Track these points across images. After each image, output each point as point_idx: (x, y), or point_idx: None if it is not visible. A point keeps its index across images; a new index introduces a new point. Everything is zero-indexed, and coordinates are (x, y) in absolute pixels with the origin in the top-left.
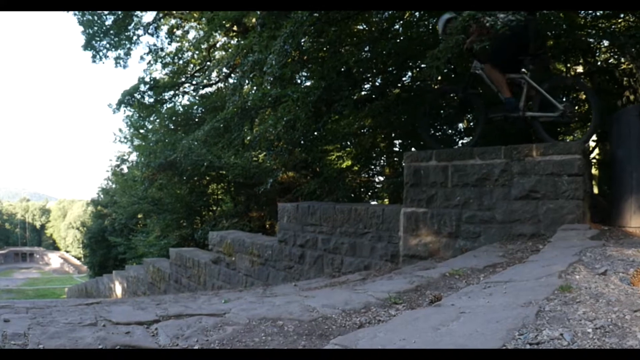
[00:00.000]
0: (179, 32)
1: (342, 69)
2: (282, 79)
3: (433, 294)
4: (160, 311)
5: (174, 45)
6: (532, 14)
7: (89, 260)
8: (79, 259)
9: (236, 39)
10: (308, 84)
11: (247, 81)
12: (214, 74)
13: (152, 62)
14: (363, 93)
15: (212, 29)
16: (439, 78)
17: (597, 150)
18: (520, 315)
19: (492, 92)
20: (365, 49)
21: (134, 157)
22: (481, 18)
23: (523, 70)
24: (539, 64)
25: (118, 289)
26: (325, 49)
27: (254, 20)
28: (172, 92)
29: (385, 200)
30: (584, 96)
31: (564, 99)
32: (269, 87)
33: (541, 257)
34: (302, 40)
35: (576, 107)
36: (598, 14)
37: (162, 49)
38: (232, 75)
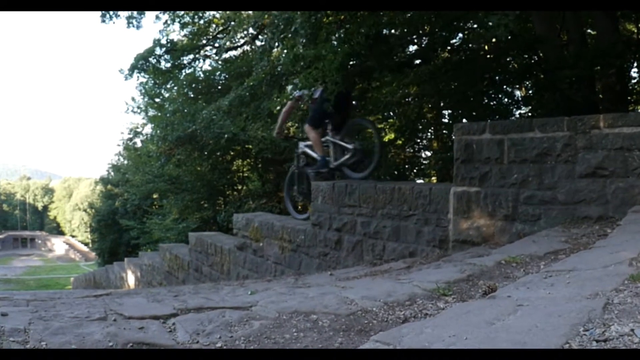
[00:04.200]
0: None
1: (372, 32)
2: (316, 42)
3: (487, 285)
4: (178, 304)
5: None
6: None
7: (97, 246)
8: (86, 244)
9: None
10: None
11: (277, 43)
12: (239, 36)
13: (169, 22)
14: (407, 52)
15: None
16: (504, 39)
17: None
18: (585, 308)
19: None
20: None
21: (148, 129)
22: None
23: (330, 130)
24: (341, 120)
25: (130, 279)
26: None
27: None
28: (191, 56)
29: (433, 178)
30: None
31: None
32: (301, 50)
33: (609, 242)
34: None
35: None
36: None
37: None
38: (260, 36)
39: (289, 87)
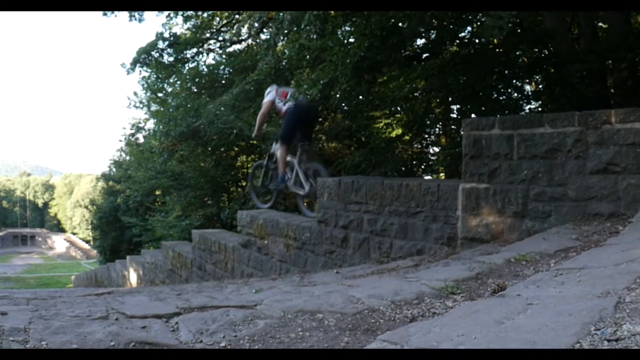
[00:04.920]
0: None
1: (388, 24)
2: (322, 35)
3: (496, 283)
4: (181, 302)
5: None
6: (311, 106)
7: (99, 243)
8: (87, 242)
9: None
10: (351, 40)
11: (282, 38)
12: (244, 29)
13: (172, 15)
14: (415, 46)
15: None
16: (501, 37)
17: None
18: (596, 307)
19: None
20: None
21: (151, 124)
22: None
23: (298, 152)
24: (306, 148)
25: (133, 277)
26: None
27: None
28: (195, 50)
29: (441, 174)
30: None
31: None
32: (307, 41)
33: (621, 240)
34: None
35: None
36: None
37: None
38: (265, 30)
39: (266, 90)
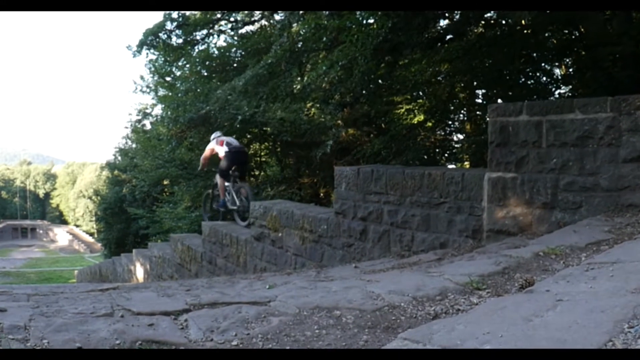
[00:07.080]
0: None
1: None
2: (340, 16)
3: (524, 278)
4: (190, 299)
5: None
6: (241, 151)
7: (103, 236)
8: (91, 234)
9: None
10: (371, 21)
11: (297, 18)
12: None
13: None
14: (438, 28)
15: None
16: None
17: None
18: (630, 303)
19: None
20: None
21: (158, 110)
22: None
23: (232, 179)
24: (237, 175)
25: (139, 272)
26: None
27: None
28: (205, 31)
29: (466, 163)
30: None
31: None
32: (325, 21)
33: None
34: None
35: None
36: None
37: None
38: (279, 10)
39: (212, 136)
